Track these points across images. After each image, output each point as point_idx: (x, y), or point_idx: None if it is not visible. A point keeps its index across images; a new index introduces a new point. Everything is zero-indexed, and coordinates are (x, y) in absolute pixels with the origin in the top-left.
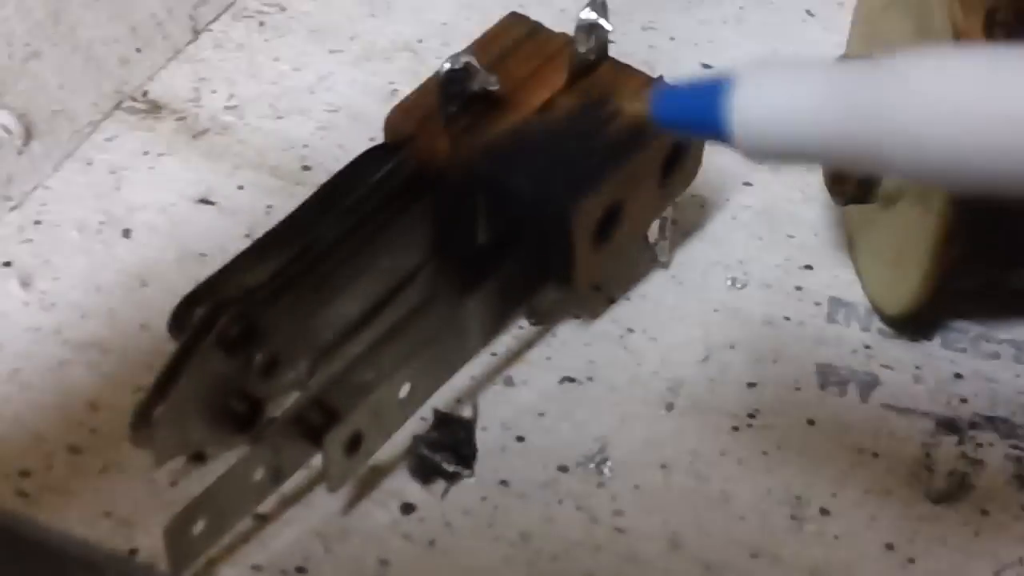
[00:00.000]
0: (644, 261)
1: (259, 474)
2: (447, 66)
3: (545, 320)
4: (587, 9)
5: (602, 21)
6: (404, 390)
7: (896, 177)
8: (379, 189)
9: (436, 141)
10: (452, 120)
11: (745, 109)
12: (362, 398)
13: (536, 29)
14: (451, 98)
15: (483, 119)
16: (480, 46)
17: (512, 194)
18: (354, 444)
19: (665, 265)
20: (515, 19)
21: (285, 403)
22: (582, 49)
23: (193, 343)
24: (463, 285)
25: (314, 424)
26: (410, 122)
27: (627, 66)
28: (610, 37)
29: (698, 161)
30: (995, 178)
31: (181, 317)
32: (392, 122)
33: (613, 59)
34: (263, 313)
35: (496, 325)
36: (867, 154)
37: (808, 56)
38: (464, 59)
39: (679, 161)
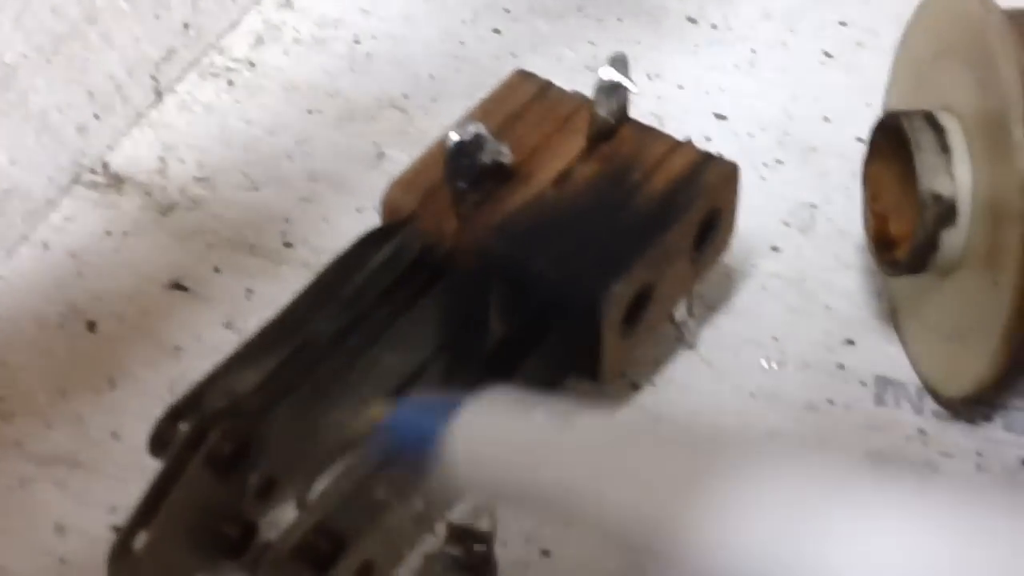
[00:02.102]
0: (669, 341)
1: None
2: (455, 137)
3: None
4: (607, 67)
5: (625, 80)
6: (418, 506)
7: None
8: (380, 276)
9: (442, 220)
10: (460, 196)
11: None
12: (372, 518)
13: (545, 88)
14: (460, 172)
15: (494, 194)
16: (485, 110)
17: (533, 281)
18: (364, 573)
19: (693, 345)
20: (522, 78)
21: (278, 520)
22: (602, 112)
23: (180, 462)
24: (481, 385)
25: (319, 551)
26: (412, 199)
27: (650, 128)
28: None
29: (731, 228)
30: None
31: (164, 433)
32: (392, 199)
33: (633, 120)
34: (256, 427)
35: None
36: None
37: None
38: (473, 128)
39: (712, 231)
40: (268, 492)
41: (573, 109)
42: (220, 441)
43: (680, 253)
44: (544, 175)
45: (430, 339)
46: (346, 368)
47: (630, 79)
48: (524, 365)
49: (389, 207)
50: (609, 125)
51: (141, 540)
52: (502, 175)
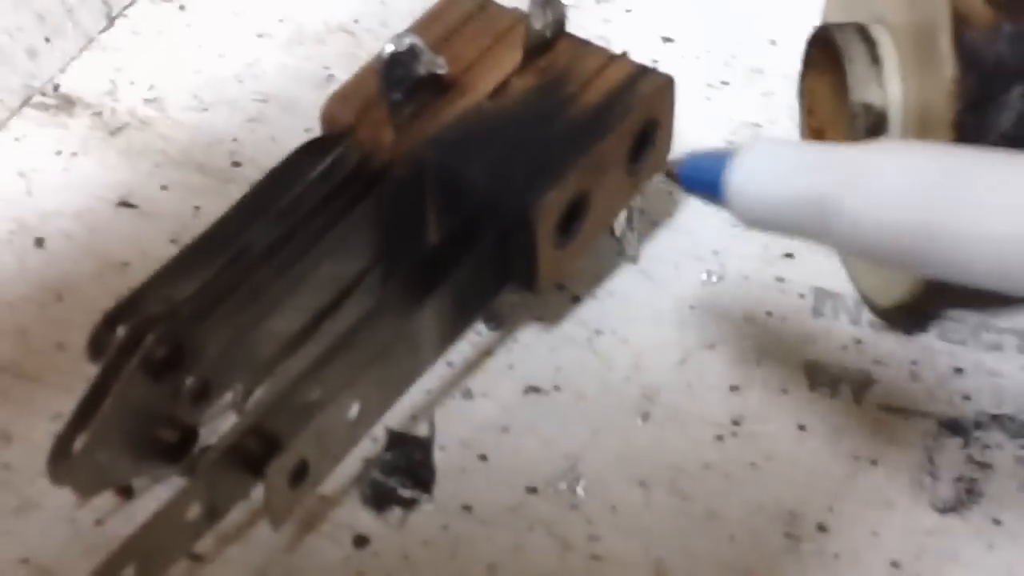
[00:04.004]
0: (610, 255)
1: (194, 511)
2: (390, 48)
3: (504, 324)
4: None
5: None
6: (353, 410)
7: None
8: (318, 187)
9: (379, 131)
10: (397, 108)
11: (737, 183)
12: (306, 422)
13: (485, 4)
14: (395, 83)
15: (431, 106)
16: (424, 25)
17: (467, 188)
18: (299, 473)
19: (634, 259)
20: None
21: (220, 428)
22: (537, 25)
23: (116, 366)
24: (415, 291)
25: (253, 453)
26: (349, 111)
27: (586, 42)
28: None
29: (668, 142)
30: (924, 266)
31: (101, 337)
32: (329, 111)
33: (570, 35)
34: (192, 331)
35: (452, 333)
36: (824, 232)
37: (797, 139)
38: (408, 40)
39: (648, 143)
40: (203, 396)
41: (511, 24)
42: (155, 344)
43: (616, 164)
44: (480, 87)
45: (367, 247)
46: (282, 275)
47: None
48: (459, 272)
49: (328, 119)
50: (544, 38)
51: (79, 443)
52: (438, 87)
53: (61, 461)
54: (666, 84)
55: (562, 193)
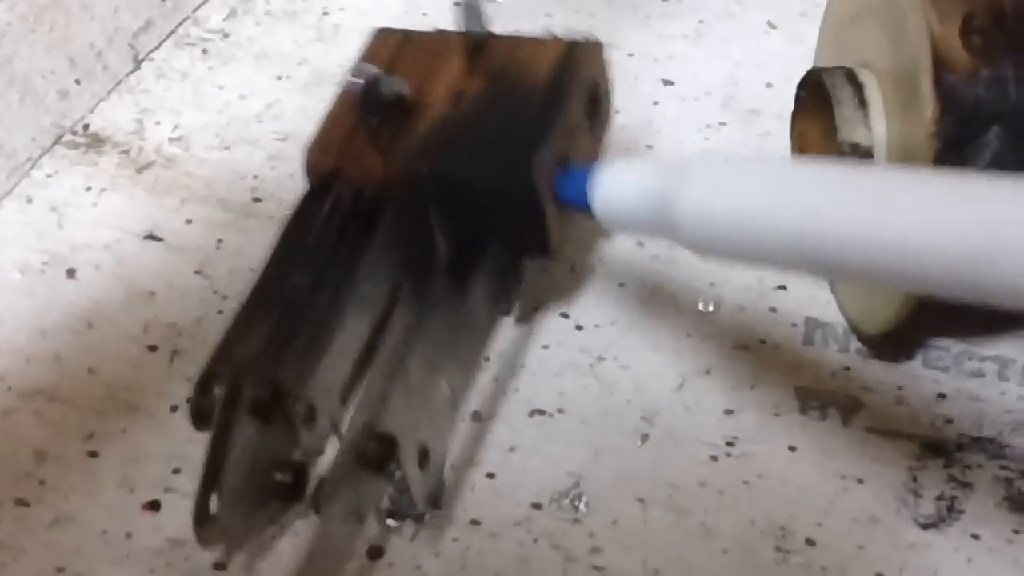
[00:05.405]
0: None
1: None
2: (360, 79)
3: (524, 314)
4: None
5: None
6: (445, 389)
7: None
8: (331, 226)
9: (366, 163)
10: (376, 133)
11: (597, 194)
12: (412, 412)
13: (409, 34)
14: (371, 109)
15: (403, 126)
16: (367, 60)
17: (464, 184)
18: (424, 458)
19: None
20: (384, 32)
21: (324, 463)
22: (474, 27)
23: (226, 422)
24: (456, 284)
25: (374, 454)
26: (329, 157)
27: (514, 36)
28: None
29: (611, 101)
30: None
31: (201, 404)
32: (312, 163)
33: (496, 34)
34: (279, 370)
35: (496, 313)
36: (671, 227)
37: (651, 156)
38: (368, 68)
39: (597, 106)
40: (311, 419)
41: (439, 42)
42: (255, 389)
43: (580, 127)
44: (440, 99)
45: (394, 262)
46: (333, 305)
47: None
48: (481, 265)
49: (312, 170)
50: (482, 38)
51: (214, 503)
52: (404, 109)
53: (206, 525)
54: (598, 48)
55: (550, 152)
